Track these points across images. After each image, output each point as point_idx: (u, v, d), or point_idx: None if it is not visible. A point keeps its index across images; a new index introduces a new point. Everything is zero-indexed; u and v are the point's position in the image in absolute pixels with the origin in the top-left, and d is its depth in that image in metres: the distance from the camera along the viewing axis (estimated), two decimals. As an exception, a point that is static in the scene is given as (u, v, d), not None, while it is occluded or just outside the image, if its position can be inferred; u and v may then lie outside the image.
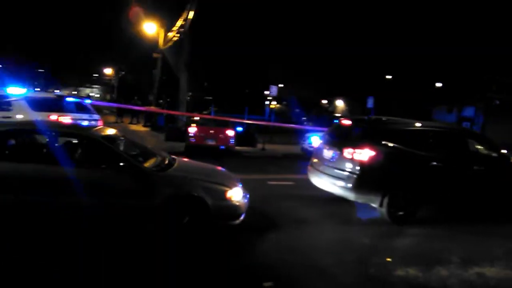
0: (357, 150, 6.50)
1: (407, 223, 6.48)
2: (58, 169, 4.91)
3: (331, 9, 36.39)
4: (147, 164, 5.43)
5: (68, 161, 5.12)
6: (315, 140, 13.83)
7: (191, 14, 17.40)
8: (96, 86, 69.63)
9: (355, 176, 6.47)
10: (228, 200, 5.29)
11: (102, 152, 5.23)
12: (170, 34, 20.65)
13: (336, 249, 5.31)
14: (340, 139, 7.23)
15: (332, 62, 37.09)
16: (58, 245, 4.68)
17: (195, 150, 12.42)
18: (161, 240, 4.93)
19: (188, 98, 22.52)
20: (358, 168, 6.46)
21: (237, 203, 5.37)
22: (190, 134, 13.18)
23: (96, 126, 6.46)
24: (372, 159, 6.44)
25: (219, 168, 6.50)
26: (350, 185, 6.51)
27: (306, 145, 14.98)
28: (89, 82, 65.41)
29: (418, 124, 7.20)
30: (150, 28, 21.50)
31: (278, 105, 48.08)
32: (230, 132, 13.41)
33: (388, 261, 4.96)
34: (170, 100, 27.09)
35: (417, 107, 29.78)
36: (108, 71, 48.33)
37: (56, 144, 5.28)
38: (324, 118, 23.36)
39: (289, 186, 9.07)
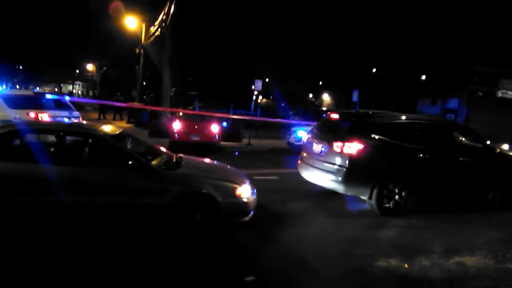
0: (346, 144, 6.56)
1: (396, 215, 6.57)
2: (67, 169, 4.87)
3: (316, 3, 36.39)
4: (155, 162, 5.38)
5: (78, 161, 5.11)
6: (301, 134, 13.86)
7: (172, 8, 17.15)
8: (79, 82, 68.46)
9: (344, 169, 6.53)
10: (238, 197, 5.28)
11: (111, 152, 5.20)
12: (152, 29, 20.35)
13: (320, 241, 5.32)
14: (329, 133, 7.28)
15: (318, 56, 37.15)
16: (71, 243, 4.60)
17: (179, 146, 12.27)
18: (173, 237, 4.97)
19: (172, 93, 22.26)
20: (347, 161, 6.52)
21: (247, 200, 5.36)
22: (174, 130, 13.03)
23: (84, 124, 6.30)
24: (360, 152, 6.51)
25: (227, 165, 6.48)
26: (339, 178, 6.57)
27: (292, 140, 15.00)
28: (71, 78, 64.22)
29: (405, 117, 7.27)
30: (131, 22, 21.19)
31: (264, 100, 48.07)
32: (215, 128, 13.30)
33: (371, 252, 4.97)
34: (153, 95, 26.80)
35: (402, 100, 30.13)
36: (90, 67, 47.51)
37: (66, 144, 5.27)
38: (311, 112, 23.39)
39: (274, 180, 9.06)
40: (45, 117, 9.20)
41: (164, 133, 14.13)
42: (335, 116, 7.77)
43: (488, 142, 7.71)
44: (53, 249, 4.44)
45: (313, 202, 7.31)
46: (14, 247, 4.39)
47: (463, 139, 8.18)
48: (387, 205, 6.64)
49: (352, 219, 6.53)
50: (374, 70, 37.75)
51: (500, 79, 20.30)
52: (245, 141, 16.06)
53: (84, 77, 61.17)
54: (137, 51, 23.05)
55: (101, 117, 22.87)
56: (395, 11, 30.97)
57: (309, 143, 7.62)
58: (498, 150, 7.93)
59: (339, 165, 6.62)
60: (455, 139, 7.79)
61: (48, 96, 10.84)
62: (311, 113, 21.66)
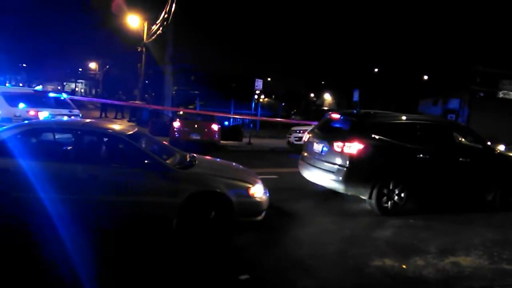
0: (346, 144, 6.58)
1: (395, 214, 6.60)
2: (85, 167, 4.93)
3: (318, 3, 36.35)
4: (169, 161, 5.42)
5: (94, 160, 5.15)
6: (301, 134, 13.87)
7: (173, 7, 17.17)
8: (82, 80, 68.63)
9: (344, 169, 6.56)
10: (251, 197, 5.32)
11: (127, 150, 5.26)
12: (154, 27, 20.39)
13: (318, 240, 5.35)
14: (330, 132, 7.31)
15: (320, 55, 37.12)
16: (88, 239, 4.68)
17: (179, 145, 12.31)
18: (187, 236, 5.02)
19: (174, 92, 22.30)
20: (347, 161, 6.54)
21: (259, 200, 5.40)
22: (174, 129, 13.06)
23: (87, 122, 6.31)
24: (361, 152, 6.53)
25: (239, 165, 6.52)
26: (340, 178, 6.60)
27: (292, 139, 15.01)
28: (74, 76, 64.40)
29: (405, 117, 7.28)
30: (133, 21, 21.22)
31: (266, 99, 48.11)
32: (215, 127, 13.32)
33: (368, 252, 4.98)
34: (155, 94, 26.84)
35: (403, 100, 30.05)
36: (93, 65, 47.63)
37: (83, 143, 5.32)
38: (312, 112, 23.41)
39: (274, 179, 9.06)
40: (45, 115, 9.24)
41: (164, 131, 14.15)
42: (336, 116, 7.79)
43: (489, 143, 7.72)
44: (70, 246, 4.45)
45: (312, 201, 7.33)
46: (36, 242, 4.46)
47: (464, 139, 8.18)
48: (387, 205, 6.67)
49: (351, 218, 6.55)
50: (375, 70, 37.67)
51: (501, 80, 20.28)
52: (245, 140, 16.08)
53: (87, 75, 61.34)
54: (139, 50, 23.09)
55: (103, 115, 22.94)
56: (397, 11, 30.91)
57: (310, 143, 7.64)
58: (498, 151, 7.93)
59: (339, 165, 6.65)
60: (456, 140, 7.80)
61: (51, 94, 10.87)
62: (313, 112, 21.70)
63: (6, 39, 36.66)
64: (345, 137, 6.68)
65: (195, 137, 13.01)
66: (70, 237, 4.62)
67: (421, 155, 6.87)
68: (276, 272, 4.32)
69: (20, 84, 52.31)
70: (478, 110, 19.88)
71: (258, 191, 5.41)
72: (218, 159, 6.85)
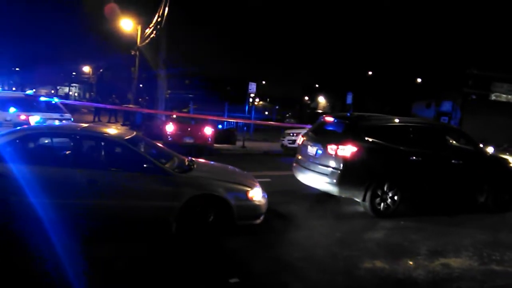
0: (340, 146, 6.61)
1: (389, 216, 6.63)
2: (82, 172, 4.91)
3: (312, 7, 36.53)
4: (168, 165, 5.42)
5: (93, 164, 5.14)
6: (295, 137, 13.89)
7: (166, 10, 17.17)
8: (75, 84, 68.30)
9: (338, 171, 6.58)
10: (250, 200, 5.34)
11: (126, 155, 5.27)
12: (147, 31, 20.37)
13: (309, 243, 5.35)
14: (324, 135, 7.33)
15: (314, 58, 37.28)
16: (86, 244, 4.68)
17: (172, 148, 12.28)
18: (187, 238, 5.02)
19: (167, 96, 22.26)
20: (341, 164, 6.57)
21: (258, 203, 5.42)
22: (167, 133, 13.03)
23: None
24: (354, 154, 6.56)
25: (237, 168, 6.52)
26: (334, 180, 6.62)
27: (286, 142, 15.02)
28: (68, 80, 64.10)
29: (398, 120, 7.33)
30: (127, 25, 21.18)
31: (261, 102, 48.19)
32: (209, 130, 13.30)
33: (358, 254, 4.98)
34: (149, 98, 26.78)
35: (397, 102, 30.23)
36: (86, 69, 47.45)
37: (81, 148, 5.32)
38: (306, 115, 23.45)
39: (266, 182, 9.04)
40: (36, 119, 9.18)
41: (158, 135, 14.10)
42: (330, 119, 7.82)
43: (481, 145, 7.78)
44: (67, 250, 4.45)
45: (305, 204, 7.33)
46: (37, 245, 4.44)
47: (456, 142, 8.23)
48: (381, 207, 6.69)
49: (343, 221, 6.56)
50: (369, 73, 37.88)
51: (493, 82, 20.44)
52: (239, 143, 16.07)
53: (80, 79, 61.07)
54: (132, 53, 23.03)
55: (96, 119, 22.82)
56: (391, 15, 31.14)
57: (304, 146, 7.66)
58: (490, 153, 7.99)
59: (333, 168, 6.67)
60: (448, 142, 7.86)
61: (43, 98, 10.81)
62: (307, 115, 21.74)
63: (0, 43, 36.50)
64: (339, 140, 6.71)
65: (189, 140, 12.99)
66: (68, 241, 4.60)
67: (414, 157, 6.90)
68: (266, 275, 4.31)
69: (14, 88, 52.01)
70: (470, 112, 20.03)
71: (256, 194, 5.42)
72: (216, 163, 6.86)
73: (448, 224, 6.61)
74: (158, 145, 6.62)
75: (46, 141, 5.95)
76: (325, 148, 6.88)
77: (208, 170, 6.02)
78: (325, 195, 7.48)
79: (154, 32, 18.92)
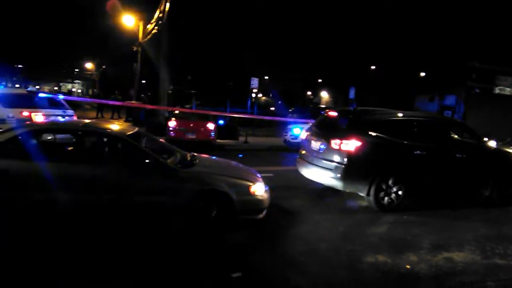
0: (344, 141, 6.60)
1: (393, 211, 6.62)
2: (86, 167, 4.94)
3: (315, 1, 36.32)
4: (170, 161, 5.43)
5: (96, 160, 5.17)
6: (297, 132, 13.87)
7: (167, 6, 17.12)
8: (78, 81, 68.44)
9: (342, 166, 6.57)
10: (252, 195, 5.35)
11: (128, 150, 5.31)
12: (149, 27, 20.32)
13: (312, 237, 5.34)
14: (327, 130, 7.32)
15: (316, 53, 37.10)
16: (91, 239, 4.74)
17: (175, 144, 12.31)
18: (191, 233, 5.05)
19: (170, 91, 22.24)
20: (345, 158, 6.56)
21: (261, 198, 5.43)
22: (169, 128, 13.04)
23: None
24: (358, 149, 6.54)
25: (239, 164, 6.54)
26: (338, 175, 6.62)
27: (288, 137, 15.00)
28: (71, 77, 64.22)
29: (402, 114, 7.29)
30: (129, 20, 21.11)
31: (264, 98, 48.09)
32: (211, 126, 13.30)
33: (361, 248, 4.98)
34: (151, 94, 26.78)
35: (400, 97, 30.10)
36: (89, 65, 47.48)
37: (83, 144, 5.38)
38: (309, 110, 23.37)
39: (269, 178, 9.05)
40: (38, 115, 9.21)
41: (160, 131, 14.12)
42: (333, 113, 7.80)
43: (486, 139, 7.75)
44: (76, 244, 4.55)
45: (308, 199, 7.34)
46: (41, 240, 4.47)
47: (460, 136, 8.19)
48: (385, 201, 6.70)
49: (346, 215, 6.55)
50: (372, 67, 37.67)
51: (497, 76, 20.31)
52: (241, 139, 16.06)
53: (83, 75, 61.10)
54: (134, 49, 22.99)
55: (99, 115, 22.88)
56: (394, 8, 30.90)
57: (308, 141, 7.65)
58: (494, 147, 7.96)
59: (337, 162, 6.66)
60: (452, 136, 7.83)
61: (42, 94, 10.82)
62: (310, 111, 21.64)
63: (2, 41, 36.53)
64: (343, 135, 6.69)
65: (191, 136, 12.99)
66: (70, 236, 4.68)
67: (418, 152, 6.89)
68: (269, 269, 4.32)
69: (17, 85, 52.16)
70: (474, 106, 19.93)
71: (259, 189, 5.43)
72: (218, 158, 6.87)
73: (452, 218, 6.59)
74: (160, 141, 6.63)
75: (49, 137, 6.00)
76: (328, 143, 6.86)
77: (210, 165, 6.03)
78: (328, 189, 7.48)
79: (156, 27, 18.87)
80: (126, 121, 21.48)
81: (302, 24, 36.03)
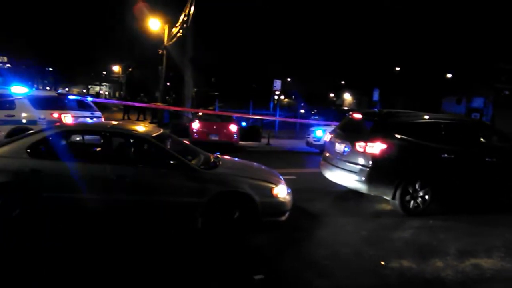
0: (369, 144, 6.53)
1: (419, 215, 6.51)
2: (112, 168, 5.08)
3: (339, 2, 36.02)
4: (194, 162, 5.52)
5: (122, 161, 5.33)
6: (319, 134, 13.78)
7: (192, 9, 17.36)
8: (105, 83, 70.23)
9: (367, 169, 6.51)
10: (275, 197, 5.37)
11: (154, 151, 5.44)
12: (174, 30, 20.68)
13: (334, 241, 5.30)
14: (352, 132, 7.27)
15: (340, 54, 36.76)
16: (117, 238, 4.89)
17: (198, 145, 12.46)
18: (213, 235, 5.09)
19: (194, 94, 22.53)
20: (370, 161, 6.49)
21: (283, 200, 5.45)
22: (193, 130, 13.22)
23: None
24: (384, 152, 6.47)
25: (262, 165, 6.58)
26: (362, 178, 6.56)
27: (311, 139, 14.92)
28: (99, 79, 65.98)
29: (428, 116, 7.17)
30: (154, 24, 21.57)
31: (286, 100, 48.01)
32: (234, 127, 13.40)
33: (385, 253, 4.91)
34: (176, 96, 27.18)
35: (426, 98, 29.45)
36: (116, 68, 48.68)
37: (111, 145, 5.51)
38: (333, 112, 23.19)
39: (291, 180, 9.04)
40: (68, 117, 9.52)
41: (184, 132, 14.32)
42: (358, 115, 7.73)
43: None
44: (101, 244, 4.67)
45: (330, 201, 7.30)
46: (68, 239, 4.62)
47: (489, 139, 7.95)
48: (411, 205, 6.59)
49: (369, 219, 6.47)
50: (397, 68, 36.99)
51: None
52: (264, 140, 16.09)
53: (110, 78, 62.71)
54: (160, 52, 23.44)
55: (125, 117, 23.42)
56: (419, 8, 30.29)
57: (332, 143, 7.60)
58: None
59: (362, 165, 6.60)
60: (481, 139, 7.60)
61: (71, 97, 11.18)
62: (332, 112, 21.48)
63: (34, 45, 37.94)
64: (368, 137, 6.63)
65: (214, 138, 13.13)
66: (98, 235, 4.82)
67: (445, 155, 6.75)
68: (291, 272, 4.31)
69: (47, 88, 54.02)
70: (503, 108, 19.30)
71: (281, 191, 5.44)
72: (241, 160, 6.91)
73: (479, 224, 6.40)
74: (184, 142, 6.73)
75: (78, 138, 6.19)
76: (353, 146, 6.80)
77: (233, 167, 6.07)
78: (351, 192, 7.41)
79: (181, 31, 19.17)
80: (151, 122, 21.90)
81: (325, 25, 35.79)
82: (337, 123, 10.69)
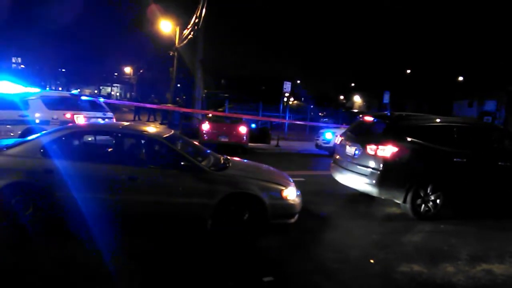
0: (380, 147, 6.50)
1: (430, 219, 6.45)
2: (123, 169, 5.13)
3: (349, 4, 35.91)
4: (204, 163, 5.55)
5: (133, 161, 5.37)
6: (329, 137, 13.75)
7: (204, 11, 17.46)
8: (117, 84, 70.90)
9: (378, 172, 6.47)
10: (284, 199, 5.38)
11: (165, 152, 5.48)
12: (185, 32, 20.81)
13: (344, 244, 5.28)
14: (363, 135, 7.24)
15: (349, 57, 36.64)
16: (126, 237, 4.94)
17: (208, 147, 12.52)
18: (223, 236, 5.11)
19: (204, 95, 22.64)
20: (381, 164, 6.46)
21: (293, 202, 5.46)
22: (203, 131, 13.28)
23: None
24: (395, 155, 6.43)
25: (271, 167, 6.60)
26: (373, 181, 6.52)
27: (320, 142, 14.88)
28: (110, 81, 66.65)
29: (441, 120, 7.11)
30: (166, 26, 21.75)
31: (296, 102, 47.95)
32: (243, 129, 13.43)
33: (395, 257, 4.88)
34: (186, 97, 27.35)
35: (436, 101, 29.16)
36: (127, 69, 49.16)
37: (122, 145, 5.58)
38: (342, 114, 23.09)
39: (300, 182, 9.02)
40: (80, 118, 9.64)
41: (194, 134, 14.40)
42: (369, 118, 7.70)
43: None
44: (111, 243, 4.68)
45: (340, 204, 7.27)
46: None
47: (502, 142, 7.85)
48: (422, 209, 6.53)
49: (379, 222, 6.44)
50: (407, 71, 36.70)
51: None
52: (273, 142, 16.09)
53: (122, 79, 63.32)
54: (171, 54, 23.62)
55: (136, 118, 23.62)
56: (430, 11, 30.05)
57: (343, 146, 7.58)
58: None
59: (373, 168, 6.56)
60: (494, 143, 7.51)
61: (84, 97, 11.31)
62: (344, 115, 21.39)
63: (47, 46, 38.52)
64: (379, 140, 6.59)
65: (224, 139, 13.17)
66: (108, 236, 4.83)
67: (457, 159, 6.67)
68: (300, 275, 4.31)
69: (60, 88, 54.75)
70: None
71: (291, 193, 5.44)
72: (251, 162, 6.93)
73: (491, 229, 6.33)
74: (194, 143, 6.77)
75: (90, 139, 6.27)
76: (364, 148, 6.77)
77: (243, 168, 6.08)
78: (361, 195, 7.37)
79: (192, 33, 19.28)
80: (161, 123, 22.06)
81: (336, 28, 35.70)
82: (347, 126, 10.68)
